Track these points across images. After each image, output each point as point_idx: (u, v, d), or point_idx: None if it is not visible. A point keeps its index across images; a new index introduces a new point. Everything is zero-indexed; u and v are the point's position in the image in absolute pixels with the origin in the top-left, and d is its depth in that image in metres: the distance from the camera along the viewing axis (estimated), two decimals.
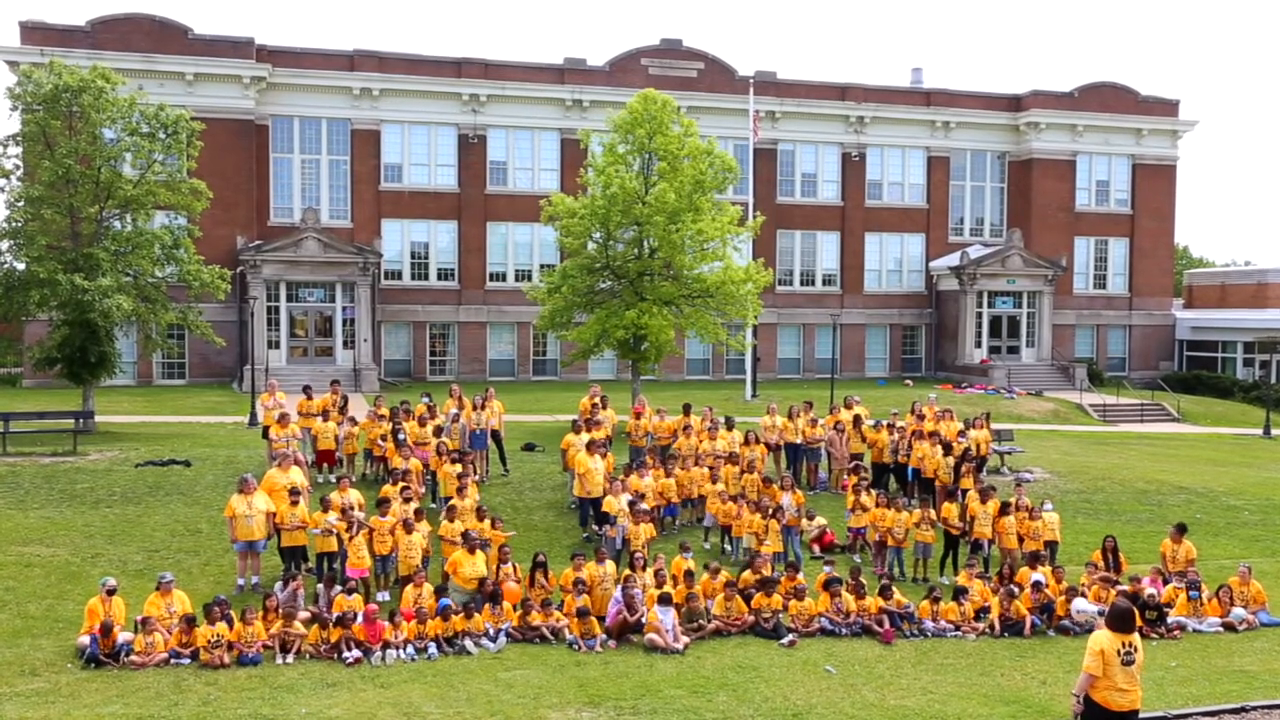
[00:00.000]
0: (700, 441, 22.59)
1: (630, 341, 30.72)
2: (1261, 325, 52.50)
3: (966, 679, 14.21)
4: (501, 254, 48.38)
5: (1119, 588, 17.28)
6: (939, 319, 53.54)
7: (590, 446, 20.52)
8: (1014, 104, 54.07)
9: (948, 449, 22.41)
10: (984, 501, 19.35)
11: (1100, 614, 10.90)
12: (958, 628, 16.39)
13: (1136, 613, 10.24)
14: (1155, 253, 56.02)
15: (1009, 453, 28.04)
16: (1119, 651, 9.62)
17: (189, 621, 14.11)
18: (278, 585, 15.75)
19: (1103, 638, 9.72)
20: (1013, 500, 19.59)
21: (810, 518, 20.57)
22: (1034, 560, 18.05)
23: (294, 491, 17.22)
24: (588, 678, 13.76)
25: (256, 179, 44.40)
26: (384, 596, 16.79)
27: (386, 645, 14.42)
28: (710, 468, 20.99)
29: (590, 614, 15.48)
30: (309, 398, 23.63)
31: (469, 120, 47.18)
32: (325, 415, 22.68)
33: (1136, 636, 9.85)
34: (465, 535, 16.84)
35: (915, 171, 53.57)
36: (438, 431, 21.82)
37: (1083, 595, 17.10)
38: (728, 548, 19.97)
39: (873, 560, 19.65)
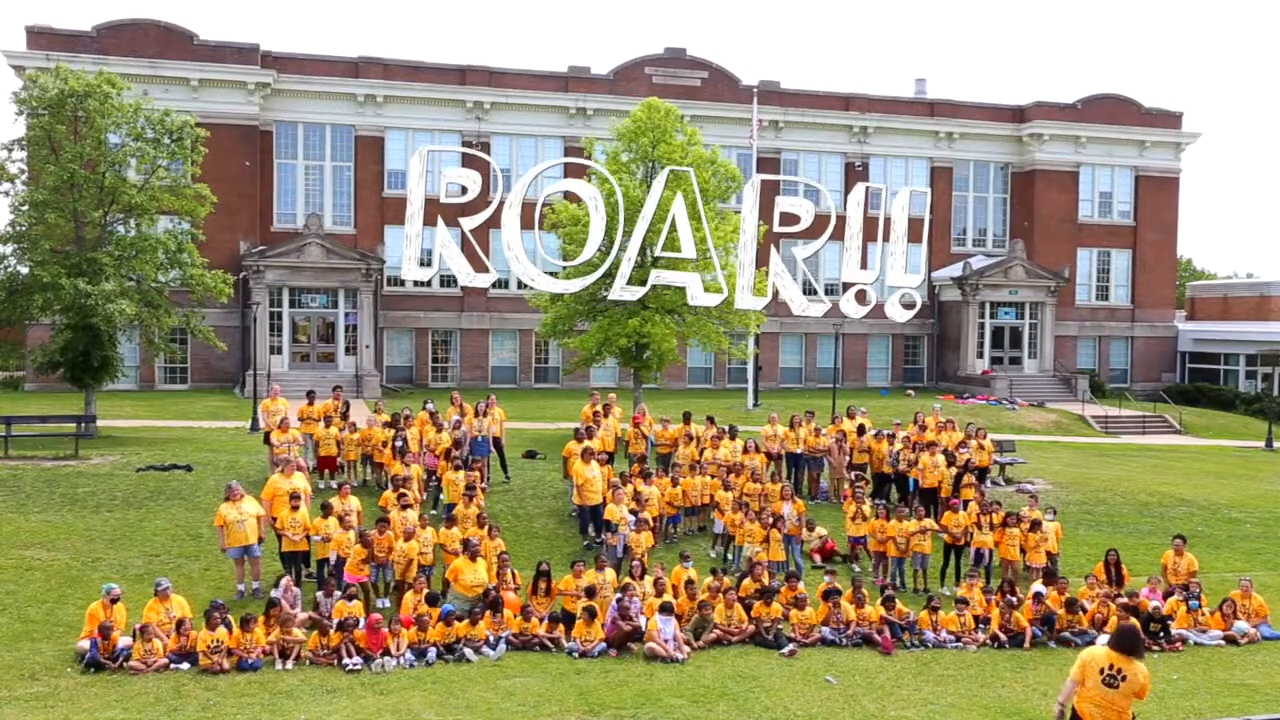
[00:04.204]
0: (704, 450, 22.57)
1: (632, 349, 30.73)
2: (1264, 338, 52.46)
3: (967, 690, 14.18)
4: (504, 261, 48.21)
5: (1119, 600, 17.26)
6: (941, 329, 53.54)
7: (585, 455, 20.51)
8: (1017, 115, 54.14)
9: (950, 460, 22.43)
10: (985, 512, 19.35)
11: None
12: (958, 638, 16.36)
13: (1140, 640, 9.70)
14: (1158, 264, 56.03)
15: (1010, 464, 28.02)
16: (1102, 670, 9.12)
17: (180, 625, 14.09)
18: (274, 590, 15.73)
19: (1096, 651, 9.36)
20: (1017, 512, 19.59)
21: (811, 528, 20.56)
22: (1048, 578, 18.03)
23: (294, 496, 17.21)
24: (587, 686, 13.74)
25: (260, 184, 44.49)
26: (384, 603, 16.77)
27: (386, 652, 14.41)
28: (723, 476, 21.04)
29: (598, 616, 15.46)
30: (311, 403, 23.64)
31: (473, 127, 47.28)
32: (327, 421, 22.68)
33: (1137, 666, 9.16)
34: (466, 543, 16.83)
35: (918, 182, 53.56)
36: (458, 443, 21.82)
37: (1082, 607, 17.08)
38: (730, 556, 19.96)
39: (872, 570, 19.64)
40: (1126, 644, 9.23)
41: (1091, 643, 9.95)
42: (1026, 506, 20.04)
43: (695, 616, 15.92)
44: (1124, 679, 9.09)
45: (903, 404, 41.46)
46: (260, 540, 17.12)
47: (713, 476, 21.19)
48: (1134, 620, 11.12)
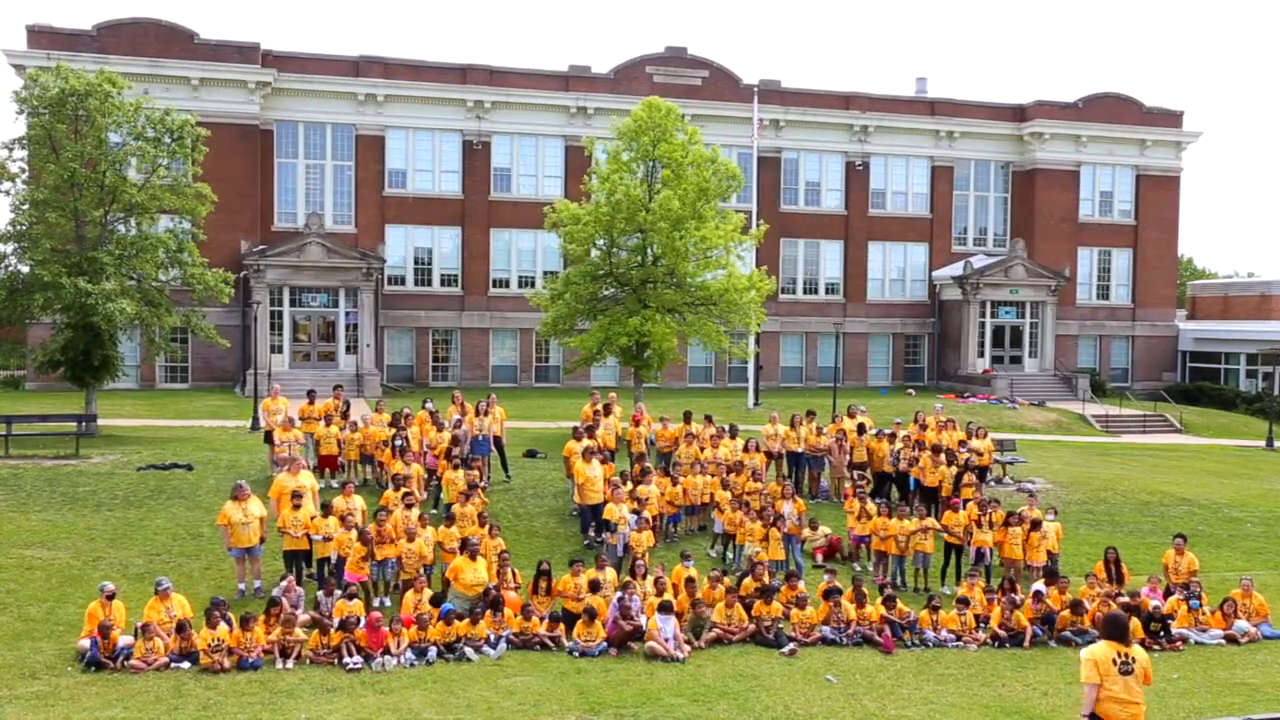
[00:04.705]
0: (703, 450, 22.57)
1: (633, 349, 30.72)
2: (1265, 337, 52.45)
3: (968, 689, 14.18)
4: (505, 260, 48.43)
5: (1120, 599, 17.26)
6: (942, 328, 53.52)
7: (586, 454, 20.53)
8: (1018, 114, 54.11)
9: (950, 459, 22.43)
10: (984, 510, 19.35)
11: None
12: (959, 637, 16.36)
13: (1132, 623, 9.96)
14: (1159, 264, 56.00)
15: (1011, 463, 28.00)
16: (1114, 661, 9.24)
17: (181, 628, 14.08)
18: (276, 590, 15.74)
19: (1096, 648, 9.40)
20: (1019, 511, 19.59)
21: (814, 527, 20.57)
22: (1050, 577, 18.03)
23: (296, 495, 17.22)
24: (588, 685, 13.74)
25: (261, 184, 44.48)
26: (381, 602, 16.75)
27: (386, 651, 14.42)
28: (722, 475, 21.05)
29: (598, 616, 15.48)
30: (312, 402, 23.64)
31: (473, 126, 47.27)
32: (328, 420, 22.69)
33: (1137, 648, 9.48)
34: (464, 542, 16.83)
35: (919, 181, 53.59)
36: (456, 440, 21.82)
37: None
38: (730, 555, 19.97)
39: (873, 569, 19.65)
40: (1119, 630, 9.46)
41: (1090, 643, 9.99)
42: (1025, 505, 20.05)
43: (690, 615, 15.91)
44: (1134, 662, 9.33)
45: (903, 403, 41.45)
46: (262, 540, 17.13)
47: (713, 475, 21.21)
48: (1121, 611, 11.20)
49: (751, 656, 15.30)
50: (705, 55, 51.18)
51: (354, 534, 16.73)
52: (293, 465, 18.50)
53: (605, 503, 19.27)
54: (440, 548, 17.41)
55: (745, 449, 22.58)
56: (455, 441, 21.84)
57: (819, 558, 20.20)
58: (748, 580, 17.19)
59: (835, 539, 20.64)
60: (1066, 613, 16.84)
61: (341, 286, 43.31)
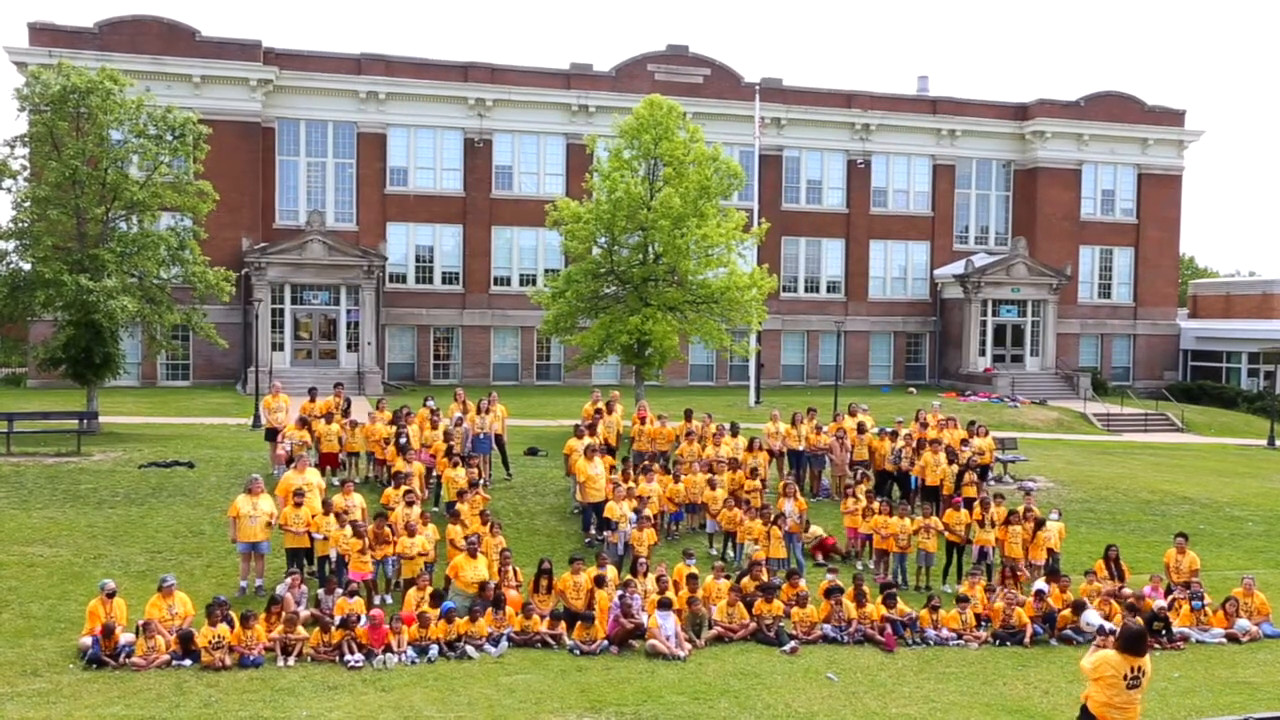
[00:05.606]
0: (705, 448, 22.57)
1: (634, 347, 30.72)
2: (1266, 336, 52.42)
3: (969, 688, 14.19)
4: (506, 258, 48.42)
5: (1123, 591, 17.27)
6: (943, 327, 53.50)
7: (587, 452, 20.53)
8: (1020, 113, 54.07)
9: (951, 457, 22.43)
10: (986, 510, 19.34)
11: (1101, 629, 10.35)
12: (960, 636, 16.37)
13: (1147, 637, 9.89)
14: (1160, 262, 55.96)
15: (1012, 461, 27.99)
16: (1125, 676, 9.25)
17: (185, 641, 14.02)
18: (279, 587, 15.75)
19: (1112, 659, 9.34)
20: (1020, 509, 19.58)
21: (806, 527, 20.53)
22: (1052, 576, 18.03)
23: (298, 493, 17.25)
24: (589, 683, 13.75)
25: (262, 181, 44.48)
26: (386, 600, 16.77)
27: (388, 648, 14.43)
28: (711, 474, 21.03)
29: (595, 620, 15.48)
30: (313, 400, 23.65)
31: (475, 124, 47.25)
32: (329, 418, 22.70)
33: (1147, 660, 9.45)
34: (465, 539, 16.84)
35: (920, 179, 53.56)
36: (447, 436, 21.84)
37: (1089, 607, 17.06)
38: (730, 554, 19.96)
39: (874, 568, 19.65)
40: (1137, 645, 9.43)
41: (1089, 640, 10.02)
42: (1022, 505, 19.99)
43: (687, 613, 15.91)
44: (1143, 674, 9.38)
45: (904, 402, 41.42)
46: (273, 529, 17.16)
47: (714, 474, 21.17)
48: (1138, 619, 11.23)
49: (752, 655, 15.31)
50: (707, 53, 51.14)
51: (348, 530, 16.72)
52: (299, 462, 18.58)
53: (606, 501, 19.29)
54: (451, 545, 17.40)
55: (750, 447, 22.57)
56: (447, 436, 21.84)
57: (818, 557, 20.19)
58: (747, 579, 17.20)
59: (829, 539, 20.61)
60: (1067, 612, 16.83)
61: (343, 284, 43.32)
